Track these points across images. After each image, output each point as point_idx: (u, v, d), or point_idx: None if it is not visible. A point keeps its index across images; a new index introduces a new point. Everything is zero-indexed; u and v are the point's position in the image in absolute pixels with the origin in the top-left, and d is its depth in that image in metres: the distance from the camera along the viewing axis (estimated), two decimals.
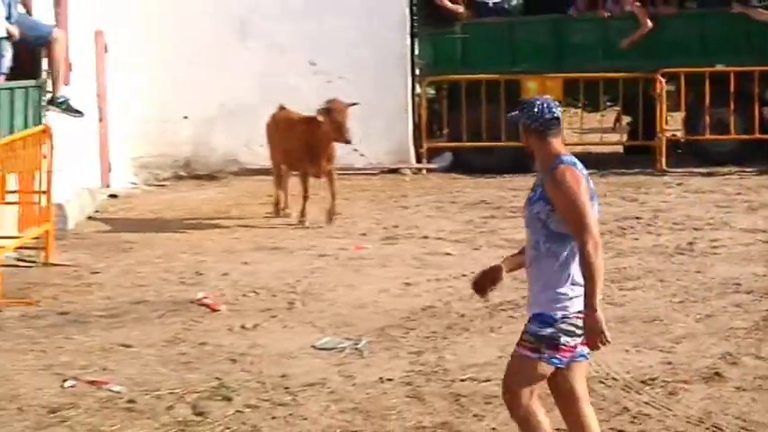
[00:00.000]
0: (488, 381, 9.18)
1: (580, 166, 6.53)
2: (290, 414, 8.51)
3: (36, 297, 12.08)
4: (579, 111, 21.42)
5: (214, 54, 19.93)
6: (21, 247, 13.59)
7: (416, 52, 20.70)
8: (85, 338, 10.60)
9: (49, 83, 14.15)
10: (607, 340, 6.30)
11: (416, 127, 20.29)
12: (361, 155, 19.69)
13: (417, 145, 20.24)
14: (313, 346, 10.27)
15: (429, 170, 20.03)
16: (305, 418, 8.41)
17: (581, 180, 6.44)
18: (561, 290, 6.49)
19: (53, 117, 14.46)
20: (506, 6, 20.95)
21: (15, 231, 13.18)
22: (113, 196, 18.42)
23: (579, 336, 6.45)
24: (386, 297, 11.99)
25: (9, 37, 13.31)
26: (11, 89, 13.35)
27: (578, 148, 21.31)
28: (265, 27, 20.12)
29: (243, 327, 10.96)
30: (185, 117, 20.31)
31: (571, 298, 6.48)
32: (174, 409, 8.66)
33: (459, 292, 12.06)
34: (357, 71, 20.08)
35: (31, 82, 13.82)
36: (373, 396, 8.91)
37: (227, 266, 13.42)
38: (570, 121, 21.59)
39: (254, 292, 12.28)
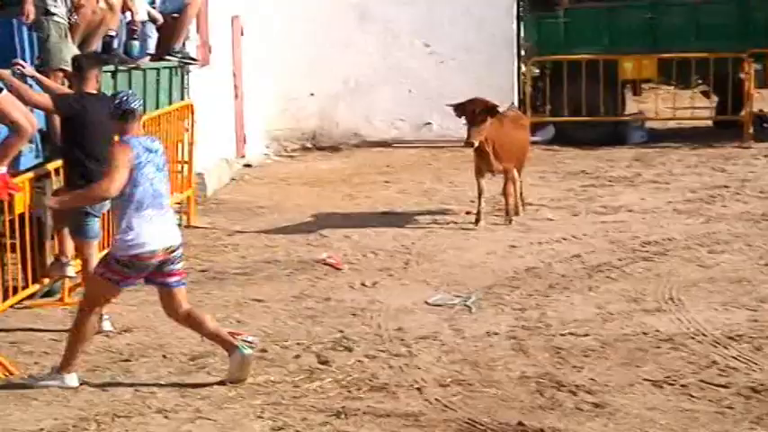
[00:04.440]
0: (587, 335, 9.12)
1: (140, 143, 8.00)
2: (406, 364, 8.52)
3: None
4: (672, 89, 21.11)
5: (337, 37, 19.95)
6: None
7: (522, 35, 20.55)
8: (222, 293, 10.71)
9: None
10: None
11: (522, 103, 20.14)
12: None
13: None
14: (426, 302, 10.27)
15: (533, 142, 19.86)
16: (418, 368, 8.41)
17: (126, 152, 7.88)
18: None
19: (195, 94, 14.57)
20: None
21: None
22: (248, 166, 18.54)
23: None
24: (493, 258, 11.95)
25: (153, 20, 13.38)
26: (157, 69, 13.45)
27: (671, 123, 21.10)
28: (382, 12, 20.09)
29: (363, 284, 11.00)
30: (312, 94, 20.37)
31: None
32: (300, 358, 8.71)
33: (560, 254, 11.99)
34: (468, 52, 19.99)
35: (175, 62, 13.89)
36: (481, 348, 8.89)
37: (349, 229, 13.44)
38: (664, 98, 21.28)
39: (374, 252, 12.30)
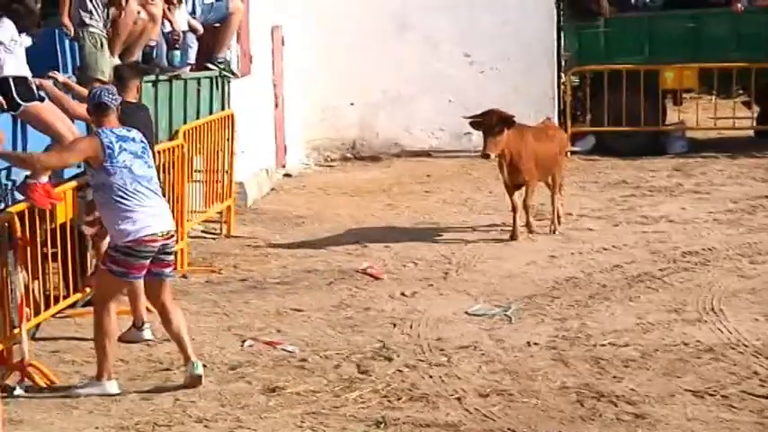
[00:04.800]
0: (627, 345, 9.09)
1: (113, 132, 8.19)
2: (446, 374, 8.51)
3: (219, 265, 12.25)
4: (713, 98, 20.99)
5: (377, 47, 19.93)
6: (206, 221, 13.80)
7: (562, 44, 20.50)
8: (262, 303, 10.73)
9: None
10: None
11: (561, 113, 20.08)
12: None
13: (562, 129, 20.03)
14: (466, 312, 10.26)
15: (573, 152, 19.78)
16: (458, 378, 8.40)
17: (91, 143, 8.16)
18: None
19: (235, 104, 14.61)
20: (647, 2, 20.62)
21: (201, 206, 13.37)
22: (288, 175, 18.56)
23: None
24: (533, 268, 11.91)
25: (194, 31, 13.43)
26: (198, 79, 13.49)
27: (712, 133, 20.97)
28: (422, 21, 20.08)
29: (403, 294, 10.99)
30: (352, 104, 20.37)
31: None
32: (340, 368, 8.72)
33: (601, 264, 11.94)
34: (508, 62, 19.94)
35: (216, 72, 13.93)
36: (521, 358, 8.87)
37: (389, 239, 13.43)
38: (705, 108, 21.16)
39: (413, 262, 12.30)
